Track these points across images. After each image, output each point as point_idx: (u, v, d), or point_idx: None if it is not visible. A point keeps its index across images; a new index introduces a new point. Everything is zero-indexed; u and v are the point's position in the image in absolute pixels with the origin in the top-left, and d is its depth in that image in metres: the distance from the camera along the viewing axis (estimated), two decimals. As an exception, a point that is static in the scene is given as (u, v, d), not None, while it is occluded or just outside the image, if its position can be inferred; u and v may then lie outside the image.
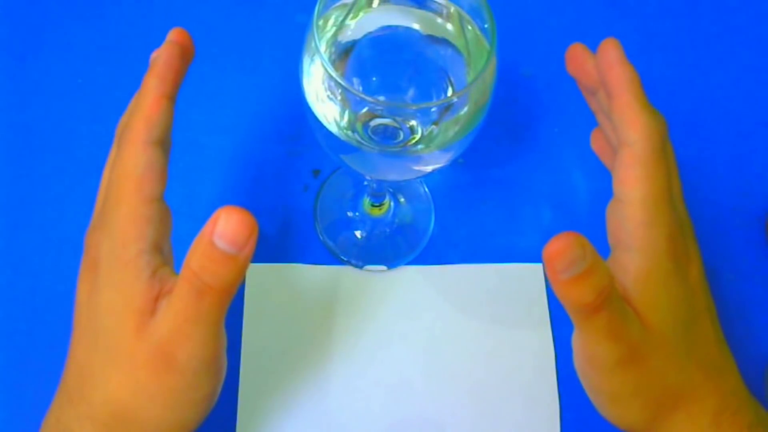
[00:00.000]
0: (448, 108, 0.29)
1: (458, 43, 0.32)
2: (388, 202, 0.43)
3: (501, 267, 0.41)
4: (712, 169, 0.45)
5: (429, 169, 0.32)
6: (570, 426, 0.38)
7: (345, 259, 0.41)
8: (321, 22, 0.30)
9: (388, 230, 0.43)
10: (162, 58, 0.28)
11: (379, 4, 0.32)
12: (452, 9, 0.31)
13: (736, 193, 0.44)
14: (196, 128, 0.44)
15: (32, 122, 0.44)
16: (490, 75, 0.28)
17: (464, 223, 0.43)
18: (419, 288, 0.41)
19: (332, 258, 0.41)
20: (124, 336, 0.26)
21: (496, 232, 0.43)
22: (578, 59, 0.31)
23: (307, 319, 0.39)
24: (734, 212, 0.43)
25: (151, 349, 0.26)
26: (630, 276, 0.28)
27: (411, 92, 0.33)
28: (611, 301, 0.25)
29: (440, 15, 0.32)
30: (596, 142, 0.34)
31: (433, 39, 0.32)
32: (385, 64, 0.33)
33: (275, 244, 0.41)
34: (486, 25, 0.29)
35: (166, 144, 0.28)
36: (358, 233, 0.43)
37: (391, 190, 0.43)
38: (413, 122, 0.31)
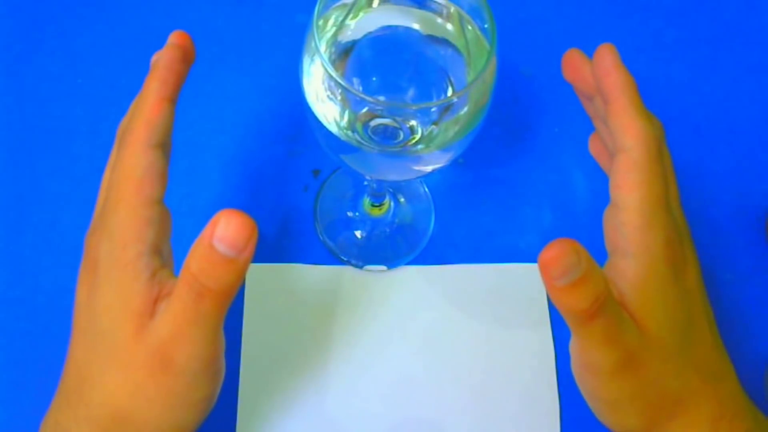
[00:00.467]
0: (448, 108, 0.29)
1: (458, 43, 0.32)
2: (388, 202, 0.43)
3: (501, 267, 0.41)
4: (712, 170, 0.45)
5: (429, 169, 0.32)
6: (570, 426, 0.38)
7: (345, 259, 0.41)
8: (321, 22, 0.30)
9: (388, 230, 0.43)
10: (163, 61, 0.28)
11: (379, 4, 0.32)
12: (452, 9, 0.31)
13: (735, 194, 0.44)
14: (196, 128, 0.44)
15: (32, 122, 0.44)
16: (490, 75, 0.28)
17: (464, 223, 0.43)
18: (419, 288, 0.41)
19: (332, 258, 0.41)
20: (123, 338, 0.26)
21: (496, 232, 0.43)
22: (574, 65, 0.31)
23: (307, 319, 0.39)
24: (734, 212, 0.43)
25: (149, 350, 0.26)
26: (627, 282, 0.28)
27: (411, 92, 0.33)
28: (607, 307, 0.25)
29: (440, 15, 0.32)
30: (594, 147, 0.34)
31: (433, 39, 0.32)
32: (385, 64, 0.33)
33: (275, 244, 0.41)
34: (486, 25, 0.29)
35: (167, 147, 0.28)
36: (358, 233, 0.43)
37: (391, 190, 0.43)
38: (413, 122, 0.31)
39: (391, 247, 0.42)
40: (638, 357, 0.27)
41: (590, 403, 0.30)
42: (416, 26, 0.32)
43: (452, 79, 0.32)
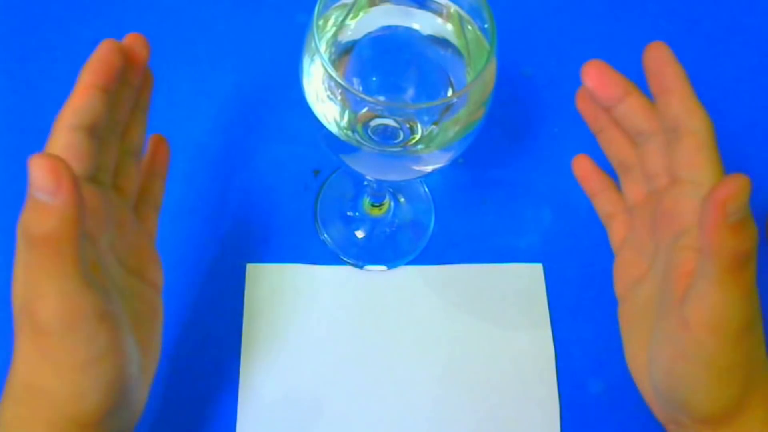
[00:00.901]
0: (448, 108, 0.29)
1: (458, 43, 0.32)
2: (388, 202, 0.43)
3: (501, 267, 0.41)
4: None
5: (429, 169, 0.32)
6: (570, 426, 0.38)
7: (345, 259, 0.41)
8: (321, 22, 0.30)
9: (388, 230, 0.43)
10: (96, 54, 0.28)
11: (379, 4, 0.32)
12: (452, 9, 0.31)
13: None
14: (196, 128, 0.44)
15: (32, 122, 0.44)
16: (490, 75, 0.28)
17: (464, 223, 0.43)
18: (419, 288, 0.41)
19: (332, 258, 0.41)
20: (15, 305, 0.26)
21: (496, 232, 0.43)
22: (588, 100, 0.32)
23: (307, 319, 0.39)
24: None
25: (19, 311, 0.25)
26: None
27: (411, 92, 0.33)
28: (754, 257, 0.25)
29: (440, 15, 0.32)
30: (579, 169, 0.34)
31: (433, 39, 0.32)
32: (385, 64, 0.33)
33: (275, 244, 0.41)
34: (486, 25, 0.29)
35: (97, 132, 0.28)
36: (358, 233, 0.43)
37: (391, 190, 0.43)
38: (413, 122, 0.31)
39: (391, 247, 0.42)
40: (757, 319, 0.26)
41: (682, 380, 0.27)
42: (416, 26, 0.32)
43: (452, 79, 0.32)
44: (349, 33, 0.32)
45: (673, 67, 0.29)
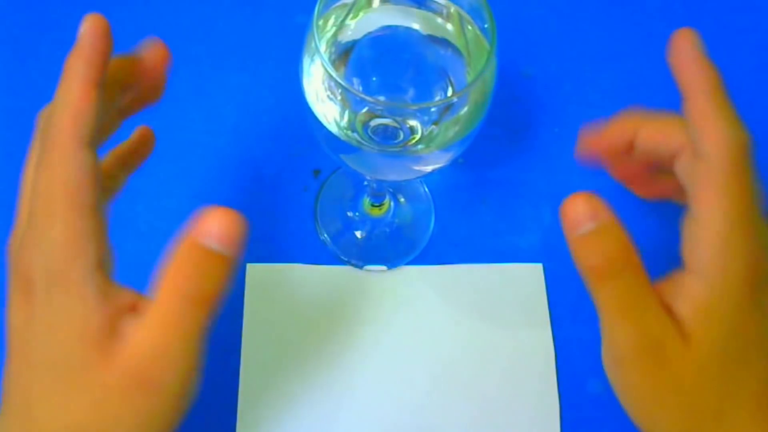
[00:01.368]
0: (448, 108, 0.29)
1: (458, 43, 0.32)
2: (388, 202, 0.43)
3: (501, 267, 0.41)
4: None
5: (429, 169, 0.32)
6: (570, 426, 0.38)
7: (345, 259, 0.41)
8: (321, 22, 0.30)
9: (388, 230, 0.43)
10: (86, 38, 0.24)
11: (379, 4, 0.32)
12: (452, 9, 0.31)
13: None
14: (196, 128, 0.44)
15: (31, 122, 0.44)
16: (490, 75, 0.28)
17: (464, 223, 0.43)
18: (419, 288, 0.41)
19: (332, 258, 0.41)
20: (81, 362, 0.23)
21: (496, 232, 0.43)
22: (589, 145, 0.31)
23: (307, 319, 0.39)
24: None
25: (123, 373, 0.23)
26: (690, 302, 0.25)
27: (411, 92, 0.33)
28: (625, 274, 0.24)
29: (440, 15, 0.32)
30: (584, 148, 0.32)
31: (433, 39, 0.32)
32: (385, 64, 0.33)
33: (275, 244, 0.41)
34: (486, 25, 0.29)
35: (99, 141, 0.25)
36: (358, 233, 0.43)
37: (391, 190, 0.43)
38: (413, 122, 0.31)
39: (391, 247, 0.42)
40: (666, 349, 0.24)
41: (623, 404, 0.26)
42: (416, 26, 0.32)
43: (452, 79, 0.32)
44: (349, 33, 0.32)
45: (692, 68, 0.26)
